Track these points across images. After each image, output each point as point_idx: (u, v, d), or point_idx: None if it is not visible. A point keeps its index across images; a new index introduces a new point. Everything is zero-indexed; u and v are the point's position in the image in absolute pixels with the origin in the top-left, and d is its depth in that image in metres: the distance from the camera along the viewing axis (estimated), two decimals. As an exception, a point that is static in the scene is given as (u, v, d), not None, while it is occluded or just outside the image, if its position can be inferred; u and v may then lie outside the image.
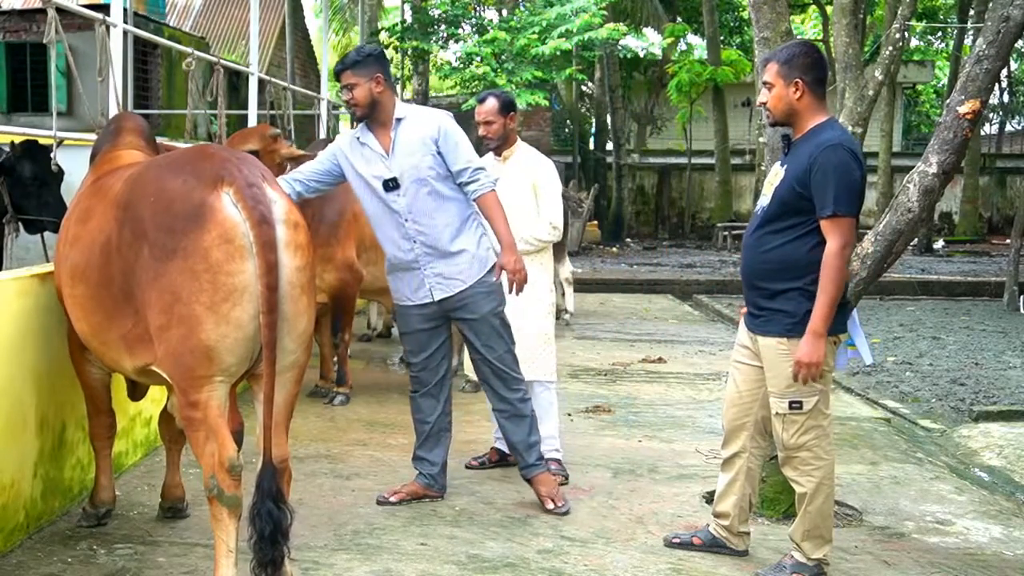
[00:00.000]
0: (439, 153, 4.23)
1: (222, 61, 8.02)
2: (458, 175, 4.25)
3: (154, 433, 4.83)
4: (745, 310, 3.78)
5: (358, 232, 6.25)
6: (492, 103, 4.81)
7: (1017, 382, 7.59)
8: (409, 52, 16.64)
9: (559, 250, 9.13)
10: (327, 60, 14.13)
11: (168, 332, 3.16)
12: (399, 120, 4.26)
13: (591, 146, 24.45)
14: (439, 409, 4.47)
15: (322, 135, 12.07)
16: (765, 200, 3.66)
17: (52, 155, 5.71)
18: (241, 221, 3.15)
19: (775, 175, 3.66)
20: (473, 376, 5.29)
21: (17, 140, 6.31)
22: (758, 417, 3.77)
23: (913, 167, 4.06)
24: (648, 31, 25.02)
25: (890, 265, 4.13)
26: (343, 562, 3.74)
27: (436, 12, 16.08)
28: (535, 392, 4.86)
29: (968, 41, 20.94)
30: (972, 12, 18.42)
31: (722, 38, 25.42)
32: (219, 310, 3.11)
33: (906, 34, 8.75)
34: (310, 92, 14.05)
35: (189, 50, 7.40)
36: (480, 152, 4.64)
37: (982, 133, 26.29)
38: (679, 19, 25.62)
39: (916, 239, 16.45)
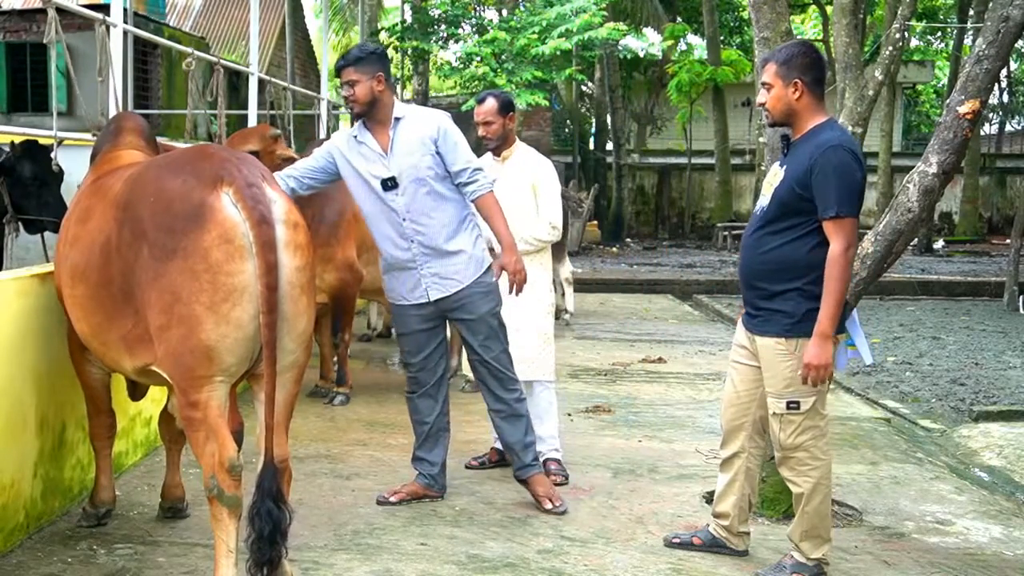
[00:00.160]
0: (438, 153, 4.23)
1: (222, 61, 8.02)
2: (457, 175, 4.25)
3: (154, 433, 4.83)
4: (744, 310, 3.79)
5: (358, 232, 6.24)
6: (491, 103, 4.81)
7: (1017, 382, 7.59)
8: (409, 52, 16.65)
9: (559, 250, 9.14)
10: (327, 60, 14.10)
11: (168, 332, 3.16)
12: (398, 120, 4.26)
13: (591, 146, 24.45)
14: (437, 410, 4.47)
15: (322, 135, 12.06)
16: (764, 200, 3.66)
17: (52, 155, 5.72)
18: (241, 221, 3.15)
19: (774, 176, 3.66)
20: (472, 376, 5.29)
21: (17, 140, 6.31)
22: (756, 417, 3.76)
23: (913, 167, 4.06)
24: (648, 31, 25.00)
25: (890, 265, 4.13)
26: (343, 562, 3.74)
27: (436, 12, 16.07)
28: (535, 392, 4.86)
29: (968, 41, 20.96)
30: (972, 12, 18.42)
31: (722, 38, 25.42)
32: (219, 310, 3.11)
33: (906, 34, 8.76)
34: (310, 92, 14.05)
35: (189, 50, 7.39)
36: (479, 153, 4.64)
37: (982, 133, 26.31)
38: (679, 19, 25.61)
39: (916, 239, 16.46)
